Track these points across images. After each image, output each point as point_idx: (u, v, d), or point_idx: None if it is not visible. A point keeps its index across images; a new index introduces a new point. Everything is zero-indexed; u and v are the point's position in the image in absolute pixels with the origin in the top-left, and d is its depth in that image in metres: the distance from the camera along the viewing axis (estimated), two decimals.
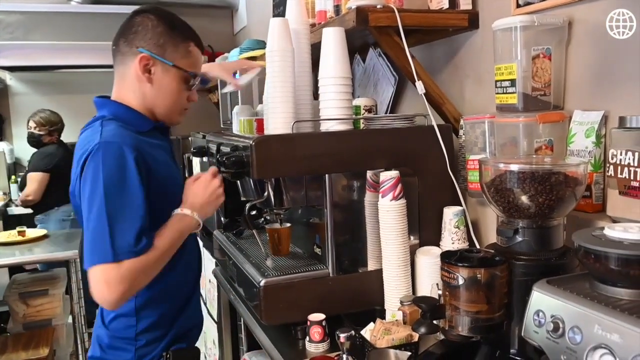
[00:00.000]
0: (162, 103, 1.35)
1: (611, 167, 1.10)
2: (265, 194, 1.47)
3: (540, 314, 0.84)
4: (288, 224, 1.60)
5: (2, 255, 2.88)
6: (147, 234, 1.20)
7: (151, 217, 1.22)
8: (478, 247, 1.47)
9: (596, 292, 0.82)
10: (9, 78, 4.59)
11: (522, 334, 0.89)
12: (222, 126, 2.47)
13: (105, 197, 1.16)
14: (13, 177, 4.39)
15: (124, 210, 1.17)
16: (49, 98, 4.51)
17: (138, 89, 1.33)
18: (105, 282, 1.14)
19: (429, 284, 1.35)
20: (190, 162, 3.66)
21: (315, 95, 1.52)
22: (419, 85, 1.52)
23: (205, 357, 2.81)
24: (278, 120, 1.42)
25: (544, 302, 0.85)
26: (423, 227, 1.48)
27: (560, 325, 0.79)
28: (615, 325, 0.72)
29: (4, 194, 4.32)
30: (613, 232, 0.82)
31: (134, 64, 1.30)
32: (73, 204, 1.34)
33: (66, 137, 3.95)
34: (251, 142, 1.33)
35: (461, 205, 1.47)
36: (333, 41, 1.42)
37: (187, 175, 4.24)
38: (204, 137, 2.14)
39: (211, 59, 4.20)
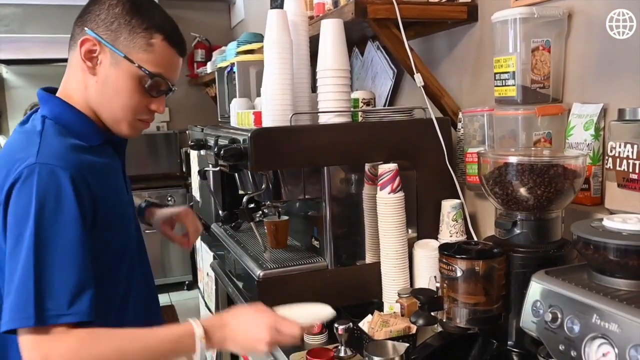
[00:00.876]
0: (107, 104, 1.08)
1: (610, 159, 1.10)
2: (263, 186, 1.47)
3: (539, 304, 0.84)
4: (286, 217, 1.60)
5: None
6: (89, 294, 0.92)
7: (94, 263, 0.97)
8: (476, 240, 1.47)
9: (594, 282, 0.82)
10: (4, 71, 4.57)
11: (520, 325, 0.90)
12: (219, 120, 2.46)
13: (36, 237, 0.90)
14: None
15: (58, 257, 0.92)
16: None
17: (81, 81, 1.08)
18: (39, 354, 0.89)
19: (427, 277, 1.35)
20: (187, 155, 3.65)
21: (314, 89, 1.51)
22: (418, 78, 1.52)
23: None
24: (276, 112, 1.41)
25: (542, 293, 0.85)
26: (421, 220, 1.48)
27: (559, 315, 0.79)
28: (613, 315, 0.72)
29: None
30: (612, 222, 0.82)
31: (78, 48, 1.06)
32: None
33: None
34: (249, 134, 1.32)
35: (459, 198, 1.47)
36: (331, 33, 1.41)
37: (184, 170, 4.24)
38: (202, 130, 2.13)
39: (208, 52, 4.19)
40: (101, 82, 1.06)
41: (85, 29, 1.06)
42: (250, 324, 1.00)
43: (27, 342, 0.89)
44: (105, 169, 1.08)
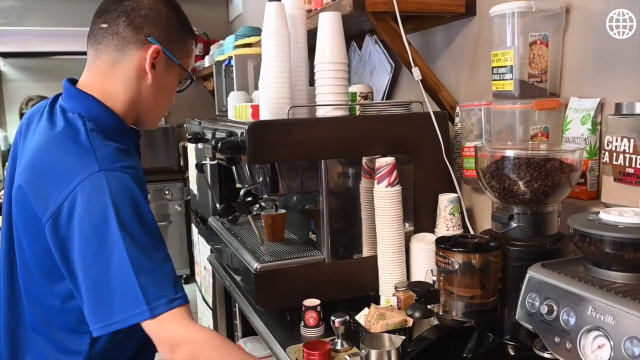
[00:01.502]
0: (156, 105, 1.14)
1: (606, 153, 1.11)
2: (260, 179, 1.46)
3: (535, 296, 0.85)
4: (283, 210, 1.59)
5: None
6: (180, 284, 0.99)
7: None
8: (472, 233, 1.48)
9: (590, 275, 0.82)
10: (2, 64, 4.55)
11: (516, 317, 0.90)
12: (217, 113, 2.46)
13: (123, 237, 0.93)
14: (7, 164, 4.36)
15: (149, 252, 0.96)
16: (43, 85, 4.46)
17: (134, 85, 1.09)
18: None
19: (424, 271, 1.35)
20: (185, 149, 3.64)
21: (312, 83, 1.51)
22: (416, 72, 1.52)
23: None
24: (273, 105, 1.41)
25: (538, 285, 0.85)
26: (418, 214, 1.48)
27: (555, 307, 0.80)
28: (609, 308, 0.72)
29: None
30: (608, 215, 0.82)
31: (139, 55, 1.07)
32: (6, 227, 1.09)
33: None
34: (246, 127, 1.32)
35: (456, 193, 1.47)
36: (329, 26, 1.41)
37: (181, 164, 4.23)
38: (199, 123, 2.13)
39: (206, 46, 4.17)
40: (156, 86, 1.11)
41: (149, 37, 1.07)
42: None
43: (154, 330, 0.94)
44: (139, 170, 1.09)
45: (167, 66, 1.11)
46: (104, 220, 0.93)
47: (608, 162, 1.10)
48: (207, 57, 3.46)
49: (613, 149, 1.09)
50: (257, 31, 2.54)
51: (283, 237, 1.58)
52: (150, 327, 0.94)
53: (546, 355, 0.86)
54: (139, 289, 0.92)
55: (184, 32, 1.14)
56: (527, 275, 0.89)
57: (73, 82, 1.12)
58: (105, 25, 1.07)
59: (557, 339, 0.78)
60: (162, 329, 0.94)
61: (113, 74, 1.09)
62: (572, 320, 0.77)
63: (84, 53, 1.14)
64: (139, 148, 1.21)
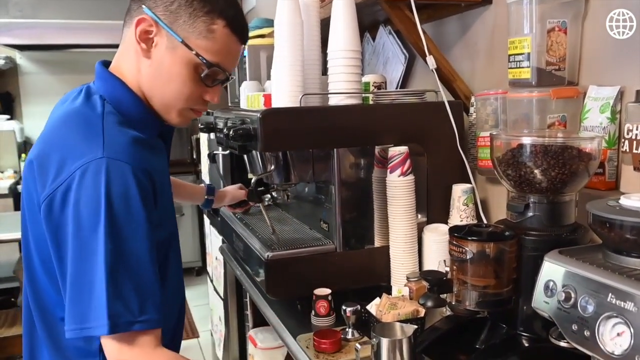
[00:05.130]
0: (159, 90, 1.01)
1: (626, 142, 1.08)
2: (272, 167, 1.46)
3: (551, 284, 0.83)
4: None
5: (13, 230, 2.90)
6: (158, 300, 0.90)
7: None
8: (487, 223, 1.45)
9: (610, 262, 0.80)
10: (18, 57, 4.60)
11: (532, 305, 0.88)
12: (230, 105, 2.45)
13: (107, 239, 0.85)
14: (23, 155, 4.41)
15: (130, 262, 0.88)
16: (58, 78, 4.51)
17: (133, 62, 1.01)
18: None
19: (436, 262, 1.33)
20: (198, 141, 3.65)
21: (325, 72, 1.49)
22: (430, 60, 1.50)
23: (212, 334, 2.83)
24: (286, 93, 1.40)
25: (555, 272, 0.83)
26: (431, 205, 1.46)
27: (572, 295, 0.78)
28: (630, 294, 0.70)
29: (15, 172, 4.34)
30: (629, 201, 0.80)
31: (133, 27, 0.98)
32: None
33: None
34: (259, 114, 1.31)
35: (470, 183, 1.45)
36: (343, 13, 1.39)
37: (194, 156, 4.24)
38: (212, 113, 2.12)
39: None
40: (155, 66, 0.99)
41: (143, 6, 0.97)
42: None
43: (112, 349, 0.87)
44: (160, 168, 1.01)
45: (169, 45, 0.97)
46: (94, 216, 0.86)
47: (628, 150, 1.08)
48: None
49: (633, 137, 1.06)
50: (270, 23, 2.53)
51: None
52: (106, 344, 0.88)
53: (562, 344, 0.84)
54: (105, 300, 0.84)
55: (200, 5, 0.97)
56: (544, 263, 0.87)
57: (107, 65, 1.06)
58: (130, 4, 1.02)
59: (574, 327, 0.77)
60: (116, 349, 0.87)
61: (122, 51, 1.04)
62: (591, 308, 0.75)
63: (100, 46, 1.11)
64: (170, 141, 1.13)
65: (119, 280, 0.86)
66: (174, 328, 1.15)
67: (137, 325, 0.86)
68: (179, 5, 0.96)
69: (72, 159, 0.89)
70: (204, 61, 0.98)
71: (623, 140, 1.09)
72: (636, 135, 1.06)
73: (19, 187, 4.20)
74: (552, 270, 0.84)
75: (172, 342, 1.12)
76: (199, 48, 0.98)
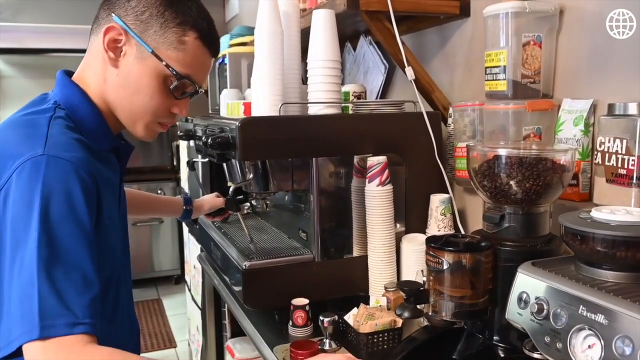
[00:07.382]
0: (126, 101, 0.98)
1: (599, 154, 1.10)
2: (250, 176, 1.45)
3: (525, 295, 0.83)
4: None
5: None
6: (97, 309, 0.81)
7: None
8: (463, 233, 1.46)
9: (581, 274, 0.81)
10: None
11: (506, 316, 0.89)
12: (210, 112, 2.44)
13: (40, 238, 0.78)
14: None
15: (66, 262, 0.80)
16: (38, 82, 4.42)
17: (100, 71, 0.98)
18: None
19: (414, 271, 1.33)
20: (177, 148, 3.62)
21: (305, 82, 1.49)
22: (409, 71, 1.51)
23: (189, 344, 2.79)
24: (265, 102, 1.40)
25: (528, 284, 0.84)
26: (409, 214, 1.47)
27: (545, 306, 0.79)
28: (600, 307, 0.71)
29: None
30: (600, 214, 0.81)
31: (101, 35, 0.96)
32: None
33: None
34: (237, 123, 1.30)
35: (448, 193, 1.46)
36: (323, 23, 1.40)
37: (174, 163, 4.20)
38: (191, 121, 2.11)
39: None
40: (122, 76, 0.96)
41: (113, 15, 0.95)
42: None
43: (32, 356, 0.76)
44: (106, 182, 0.95)
45: (138, 55, 0.95)
46: (28, 213, 0.79)
47: (600, 163, 1.09)
48: None
49: (605, 149, 1.08)
50: (252, 31, 2.52)
51: None
52: (29, 351, 0.75)
53: (536, 355, 0.85)
54: (37, 301, 0.75)
55: (169, 15, 0.95)
56: (517, 274, 0.88)
57: (70, 74, 1.04)
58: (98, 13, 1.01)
59: (547, 339, 0.77)
60: (48, 355, 0.75)
61: (87, 59, 1.01)
62: (563, 320, 0.76)
63: (80, 50, 1.07)
64: (126, 160, 1.08)
65: (54, 276, 0.78)
66: None
67: (79, 327, 0.78)
68: (150, 15, 0.95)
69: (12, 160, 0.84)
70: (174, 72, 0.96)
71: (596, 152, 1.11)
72: (608, 147, 1.08)
73: None
74: (526, 282, 0.85)
75: None
76: (169, 59, 0.96)
